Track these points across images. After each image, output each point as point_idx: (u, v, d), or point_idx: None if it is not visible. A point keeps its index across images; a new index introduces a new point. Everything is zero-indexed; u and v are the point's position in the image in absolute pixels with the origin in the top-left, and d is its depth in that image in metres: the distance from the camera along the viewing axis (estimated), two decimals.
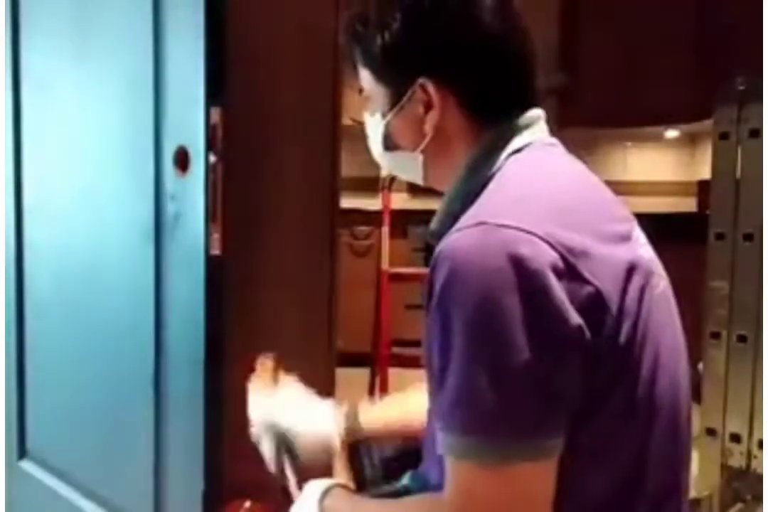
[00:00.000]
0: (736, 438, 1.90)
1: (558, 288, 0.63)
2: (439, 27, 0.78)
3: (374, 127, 0.87)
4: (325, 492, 0.84)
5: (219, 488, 1.10)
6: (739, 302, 1.89)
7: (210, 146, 1.05)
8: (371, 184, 4.13)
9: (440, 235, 0.79)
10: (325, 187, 1.50)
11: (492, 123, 0.80)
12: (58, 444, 1.48)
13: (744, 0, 2.39)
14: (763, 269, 1.80)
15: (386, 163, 0.90)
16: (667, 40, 3.62)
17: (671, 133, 4.33)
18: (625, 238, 0.75)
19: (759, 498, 1.80)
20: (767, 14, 1.70)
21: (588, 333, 0.64)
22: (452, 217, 0.76)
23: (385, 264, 2.69)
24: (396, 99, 0.81)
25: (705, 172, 3.02)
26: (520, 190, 0.72)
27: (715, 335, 1.95)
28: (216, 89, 1.05)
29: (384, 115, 0.84)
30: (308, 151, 1.12)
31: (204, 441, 1.07)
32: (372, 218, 3.65)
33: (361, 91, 0.88)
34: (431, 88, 0.78)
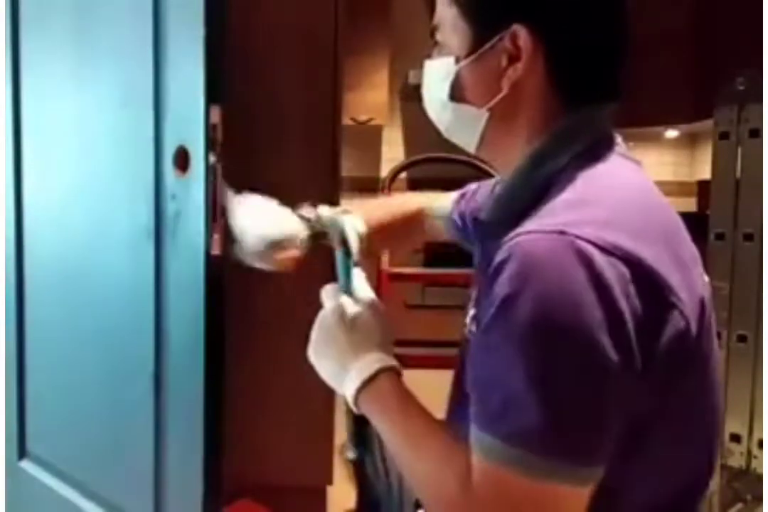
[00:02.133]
0: (736, 438, 1.90)
1: (634, 317, 0.59)
2: None
3: (442, 72, 0.77)
4: (374, 376, 0.75)
5: (219, 488, 1.10)
6: (739, 302, 1.89)
7: (210, 146, 1.05)
8: (371, 184, 4.14)
9: (493, 226, 0.75)
10: (325, 186, 1.50)
11: (572, 102, 0.73)
12: (58, 444, 1.48)
13: (744, 0, 2.39)
14: (763, 269, 1.80)
15: (445, 117, 0.80)
16: (667, 40, 3.62)
17: (671, 133, 4.33)
18: (695, 261, 0.72)
19: (759, 498, 1.80)
20: (767, 14, 1.70)
21: (661, 363, 0.61)
22: (514, 212, 0.71)
23: (385, 264, 2.69)
24: (480, 42, 0.73)
25: (705, 172, 3.02)
26: (598, 202, 0.66)
27: (716, 335, 1.95)
28: (216, 89, 1.05)
29: (458, 60, 0.75)
30: (308, 151, 1.11)
31: (204, 441, 1.07)
32: None
33: (433, 32, 0.79)
34: (523, 39, 0.70)
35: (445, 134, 0.83)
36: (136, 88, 1.16)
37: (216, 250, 1.07)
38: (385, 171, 4.19)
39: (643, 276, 0.60)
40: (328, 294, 0.86)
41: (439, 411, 0.92)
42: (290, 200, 1.28)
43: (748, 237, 1.87)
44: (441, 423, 0.73)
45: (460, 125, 0.80)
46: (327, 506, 1.72)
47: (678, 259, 0.66)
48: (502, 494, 0.61)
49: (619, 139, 0.78)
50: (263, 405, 1.61)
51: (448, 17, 0.77)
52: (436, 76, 0.79)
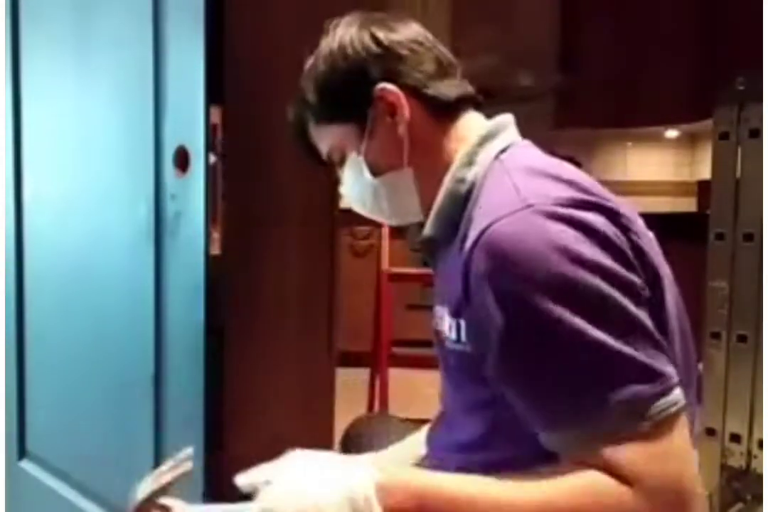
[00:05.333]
0: (736, 438, 1.90)
1: (630, 248, 0.65)
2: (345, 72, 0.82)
3: (356, 170, 0.86)
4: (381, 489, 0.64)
5: (219, 488, 1.10)
6: (739, 302, 1.89)
7: (210, 146, 1.05)
8: None
9: (438, 241, 0.80)
10: (325, 187, 1.50)
11: (457, 121, 0.83)
12: (58, 444, 1.47)
13: (744, 0, 2.39)
14: (763, 269, 1.80)
15: (381, 195, 0.86)
16: (667, 40, 3.62)
17: (671, 133, 4.34)
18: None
19: (759, 498, 1.80)
20: (767, 14, 1.70)
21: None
22: (453, 220, 0.76)
23: (385, 265, 2.69)
24: (363, 123, 0.83)
25: (705, 172, 3.02)
26: (542, 172, 0.71)
27: (715, 335, 1.94)
28: (216, 89, 1.05)
29: (359, 150, 0.84)
30: None
31: (204, 441, 1.07)
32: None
33: (330, 160, 0.89)
34: (389, 88, 0.80)
35: (393, 217, 0.89)
36: (136, 87, 1.16)
37: (216, 250, 1.07)
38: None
39: (618, 220, 0.66)
40: None
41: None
42: (290, 200, 1.28)
43: (748, 237, 1.87)
44: (491, 479, 0.66)
45: (396, 191, 0.85)
46: None
47: (629, 215, 0.70)
48: (659, 457, 0.61)
49: (528, 141, 0.84)
50: (263, 405, 1.61)
51: (330, 135, 0.86)
52: (354, 175, 0.86)
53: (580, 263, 0.61)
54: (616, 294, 0.62)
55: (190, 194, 1.07)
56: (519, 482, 0.63)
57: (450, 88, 0.83)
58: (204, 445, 1.07)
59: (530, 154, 0.80)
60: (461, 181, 0.79)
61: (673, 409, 0.62)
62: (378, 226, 3.66)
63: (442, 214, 0.80)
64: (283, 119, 1.11)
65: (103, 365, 1.31)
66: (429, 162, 0.82)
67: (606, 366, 0.61)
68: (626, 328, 0.62)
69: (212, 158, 1.05)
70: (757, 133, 1.84)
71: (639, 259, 0.66)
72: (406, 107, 0.81)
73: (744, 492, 1.87)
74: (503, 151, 0.79)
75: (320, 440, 1.61)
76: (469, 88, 0.86)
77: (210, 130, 1.05)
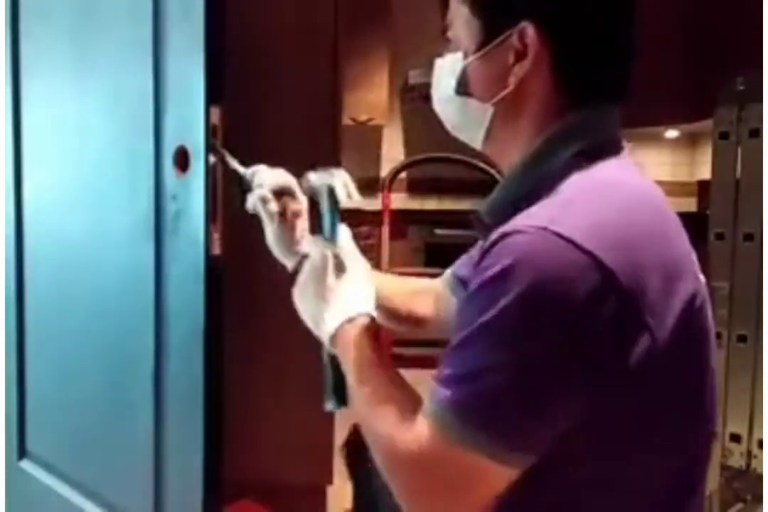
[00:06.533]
0: (736, 438, 1.90)
1: (596, 321, 0.61)
2: None
3: (450, 67, 0.78)
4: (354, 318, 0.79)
5: (219, 488, 1.10)
6: (739, 302, 1.90)
7: (210, 146, 1.05)
8: (371, 184, 4.14)
9: (490, 223, 0.74)
10: None
11: (577, 101, 0.73)
12: (58, 444, 1.48)
13: (744, 0, 2.39)
14: (763, 269, 1.80)
15: (451, 111, 0.81)
16: (667, 40, 3.62)
17: (671, 133, 4.33)
18: (689, 264, 0.72)
19: (759, 498, 1.80)
20: (767, 14, 1.70)
21: (621, 369, 0.62)
22: (511, 208, 0.71)
23: (385, 265, 2.69)
24: (489, 38, 0.74)
25: (705, 172, 3.02)
26: (586, 202, 0.67)
27: (716, 335, 1.95)
28: (216, 89, 1.05)
29: (467, 55, 0.76)
30: (308, 151, 1.11)
31: (204, 440, 1.07)
32: (372, 218, 3.66)
33: (445, 30, 0.80)
34: (531, 36, 0.71)
35: (452, 131, 0.83)
36: (136, 88, 1.16)
37: (216, 250, 1.07)
38: (385, 171, 4.19)
39: (613, 283, 0.61)
40: (315, 242, 0.88)
41: None
42: None
43: (748, 237, 1.88)
44: (404, 381, 0.76)
45: (465, 120, 0.80)
46: (327, 506, 1.72)
47: (663, 263, 0.66)
48: (433, 450, 0.64)
49: (624, 141, 0.77)
50: (263, 405, 1.61)
51: (459, 14, 0.77)
52: (445, 72, 0.80)
53: (538, 297, 0.61)
54: (525, 333, 0.61)
55: (190, 194, 1.07)
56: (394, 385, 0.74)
57: (599, 77, 0.74)
58: (204, 445, 1.07)
59: (609, 174, 0.72)
60: (525, 176, 0.74)
61: (484, 455, 0.62)
62: (378, 226, 3.66)
63: (504, 202, 0.75)
64: (283, 119, 1.11)
65: (104, 365, 1.32)
66: (520, 120, 0.76)
67: (484, 372, 0.62)
68: (517, 369, 0.61)
69: (212, 158, 1.05)
70: (757, 133, 1.84)
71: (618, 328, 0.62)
72: (531, 61, 0.72)
73: (744, 492, 1.87)
74: (583, 151, 0.72)
75: (320, 438, 1.61)
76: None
77: (210, 130, 1.05)
